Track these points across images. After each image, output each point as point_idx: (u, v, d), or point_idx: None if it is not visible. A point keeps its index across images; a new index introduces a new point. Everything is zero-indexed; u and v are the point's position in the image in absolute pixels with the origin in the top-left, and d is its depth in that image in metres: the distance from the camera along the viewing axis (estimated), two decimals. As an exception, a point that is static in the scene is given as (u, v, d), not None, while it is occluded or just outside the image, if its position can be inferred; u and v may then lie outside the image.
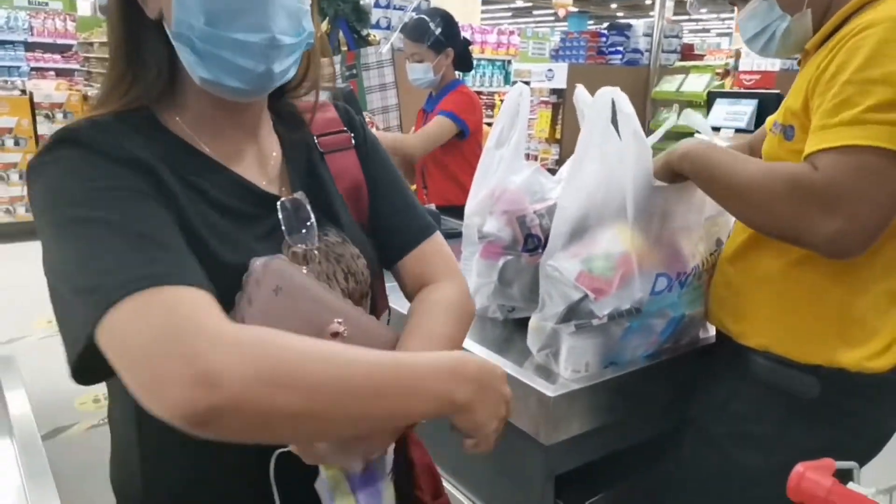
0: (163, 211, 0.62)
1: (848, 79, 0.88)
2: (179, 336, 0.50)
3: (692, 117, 1.27)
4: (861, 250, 0.89)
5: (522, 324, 1.28)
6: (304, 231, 0.74)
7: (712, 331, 1.25)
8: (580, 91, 1.30)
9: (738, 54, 5.37)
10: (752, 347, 1.06)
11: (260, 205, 0.73)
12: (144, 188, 0.63)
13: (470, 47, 2.62)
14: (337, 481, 0.69)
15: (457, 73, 2.56)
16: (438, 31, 2.38)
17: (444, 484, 0.95)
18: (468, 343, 1.21)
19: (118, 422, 0.77)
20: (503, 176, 1.28)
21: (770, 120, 1.12)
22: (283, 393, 0.52)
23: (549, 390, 1.02)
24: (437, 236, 0.88)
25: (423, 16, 2.45)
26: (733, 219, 1.16)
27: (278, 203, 0.73)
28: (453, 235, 1.97)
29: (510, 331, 1.31)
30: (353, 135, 0.86)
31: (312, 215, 0.75)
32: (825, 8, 1.04)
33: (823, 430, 1.00)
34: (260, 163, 0.77)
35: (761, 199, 0.94)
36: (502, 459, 1.16)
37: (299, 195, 0.75)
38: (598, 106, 1.06)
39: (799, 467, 0.60)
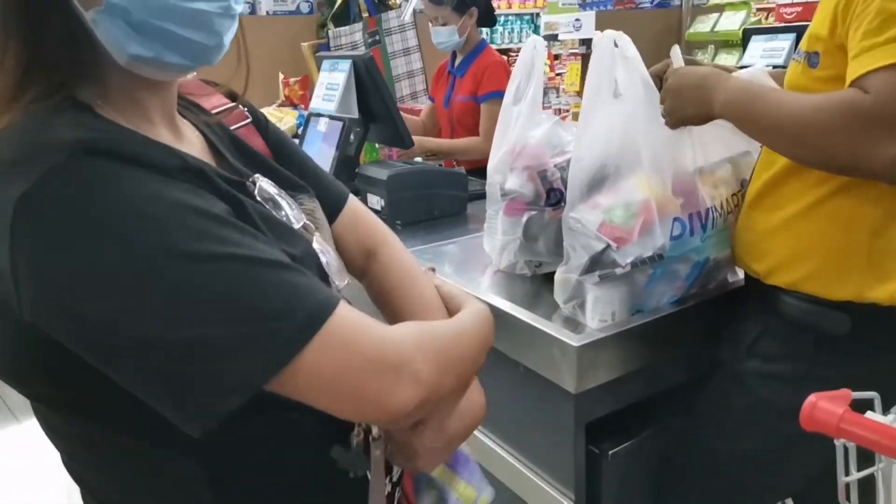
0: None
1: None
2: (376, 353, 0.55)
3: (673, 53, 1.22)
4: None
5: (550, 278, 1.29)
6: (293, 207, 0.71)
7: (741, 273, 1.24)
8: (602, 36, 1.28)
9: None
10: (781, 287, 1.04)
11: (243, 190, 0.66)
12: (222, 203, 0.56)
13: (493, 3, 2.57)
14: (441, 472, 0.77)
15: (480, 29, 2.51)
16: None
17: (476, 433, 0.99)
18: (497, 300, 1.23)
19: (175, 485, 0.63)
20: (522, 132, 1.28)
21: None
22: (449, 376, 0.61)
23: (574, 340, 1.03)
24: (354, 200, 0.85)
25: None
26: (757, 157, 1.13)
27: (258, 185, 0.68)
28: (478, 196, 2.00)
29: (538, 285, 1.33)
30: (245, 108, 0.81)
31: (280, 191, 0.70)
32: None
33: (853, 365, 0.99)
34: (198, 149, 0.67)
35: (815, 135, 0.90)
36: (534, 409, 1.19)
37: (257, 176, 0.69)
38: (599, 51, 1.04)
39: (812, 397, 0.61)
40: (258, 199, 0.65)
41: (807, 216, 1.01)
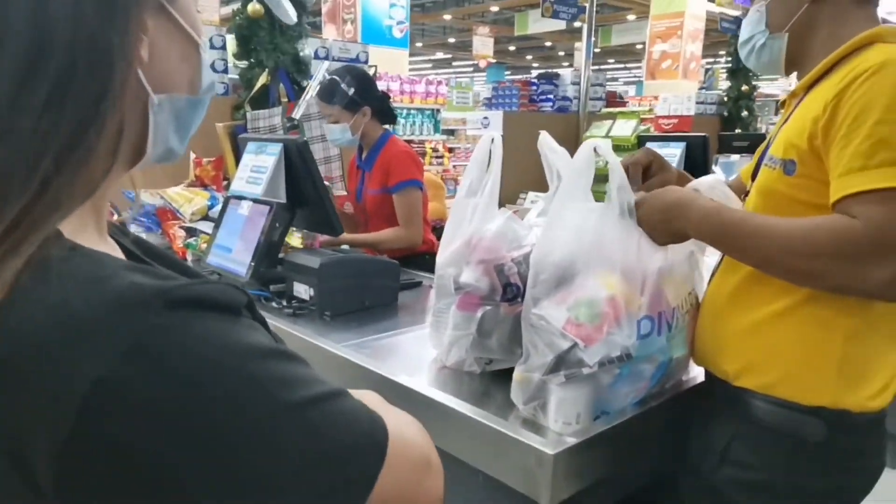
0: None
1: (880, 118, 0.87)
2: (414, 456, 0.56)
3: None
4: None
5: (500, 375, 1.24)
6: None
7: (693, 372, 1.25)
8: (545, 137, 1.30)
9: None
10: (751, 389, 1.05)
11: None
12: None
13: (397, 97, 2.62)
14: None
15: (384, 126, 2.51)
16: (351, 90, 2.33)
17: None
18: (446, 398, 1.15)
19: None
20: (478, 225, 1.25)
21: (754, 159, 1.15)
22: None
23: (548, 447, 0.97)
24: None
25: (334, 76, 2.40)
26: (711, 256, 1.17)
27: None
28: (412, 286, 1.95)
29: (487, 383, 1.27)
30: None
31: None
32: (804, 42, 1.08)
33: (832, 472, 0.99)
34: (118, 252, 0.61)
35: (805, 261, 0.92)
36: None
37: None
38: (580, 155, 1.06)
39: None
40: None
41: (780, 319, 1.03)
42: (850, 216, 0.89)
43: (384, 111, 2.47)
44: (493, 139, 1.28)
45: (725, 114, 6.36)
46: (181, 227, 2.25)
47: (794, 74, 1.17)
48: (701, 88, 8.24)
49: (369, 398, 0.70)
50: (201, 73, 0.59)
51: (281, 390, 0.46)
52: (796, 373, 1.01)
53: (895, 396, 1.02)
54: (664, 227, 1.08)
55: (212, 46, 3.06)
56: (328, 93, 2.37)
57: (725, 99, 6.42)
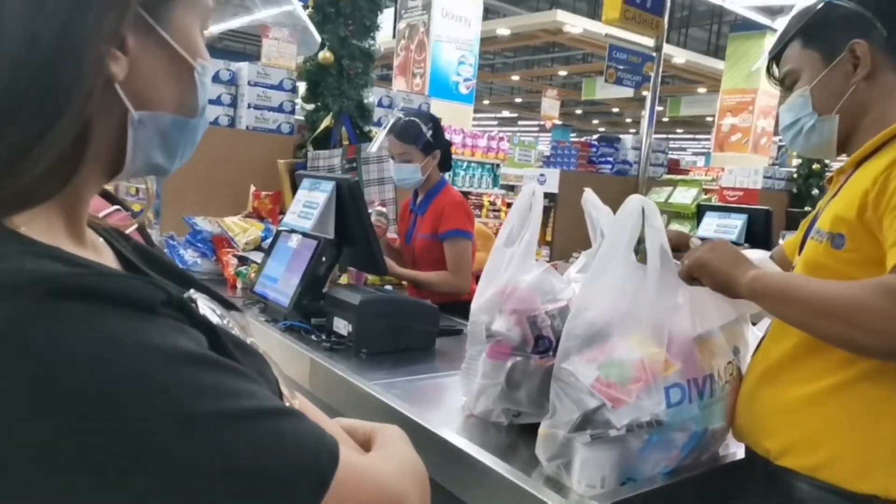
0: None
1: None
2: (381, 496, 0.53)
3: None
4: None
5: (527, 429, 1.21)
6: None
7: (733, 447, 1.18)
8: (589, 195, 1.30)
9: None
10: (794, 470, 0.98)
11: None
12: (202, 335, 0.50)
13: (459, 149, 2.67)
14: None
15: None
16: (430, 133, 2.41)
17: None
18: (470, 447, 1.13)
19: None
20: (513, 275, 1.24)
21: (799, 232, 1.11)
22: (427, 498, 0.61)
23: (570, 508, 0.93)
24: None
25: (414, 118, 2.47)
26: (757, 327, 1.12)
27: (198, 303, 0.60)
28: (452, 332, 1.94)
29: (514, 436, 1.24)
30: (128, 213, 0.78)
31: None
32: (854, 122, 1.06)
33: None
34: (110, 259, 0.60)
35: (865, 319, 0.87)
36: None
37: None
38: (626, 212, 1.05)
39: None
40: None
41: (832, 395, 0.97)
42: None
43: (446, 158, 2.54)
44: (534, 191, 1.28)
45: (795, 190, 6.20)
46: (234, 256, 2.33)
47: None
48: (773, 165, 8.07)
49: (389, 431, 0.69)
50: (196, 96, 0.58)
51: (186, 398, 0.42)
52: (846, 455, 0.94)
53: None
54: (726, 268, 1.04)
55: (283, 89, 3.22)
56: (409, 133, 2.41)
57: (795, 175, 6.27)
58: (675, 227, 4.50)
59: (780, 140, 9.62)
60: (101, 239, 0.61)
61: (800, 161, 6.28)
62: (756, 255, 1.13)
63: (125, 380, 0.40)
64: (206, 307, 0.59)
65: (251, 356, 0.57)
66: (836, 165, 1.14)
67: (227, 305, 0.66)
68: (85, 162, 0.50)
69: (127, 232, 0.68)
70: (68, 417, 0.38)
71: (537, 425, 1.11)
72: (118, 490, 0.40)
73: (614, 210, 1.24)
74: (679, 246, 1.24)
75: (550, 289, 1.26)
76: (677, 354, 1.06)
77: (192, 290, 0.59)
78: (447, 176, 2.66)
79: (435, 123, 2.48)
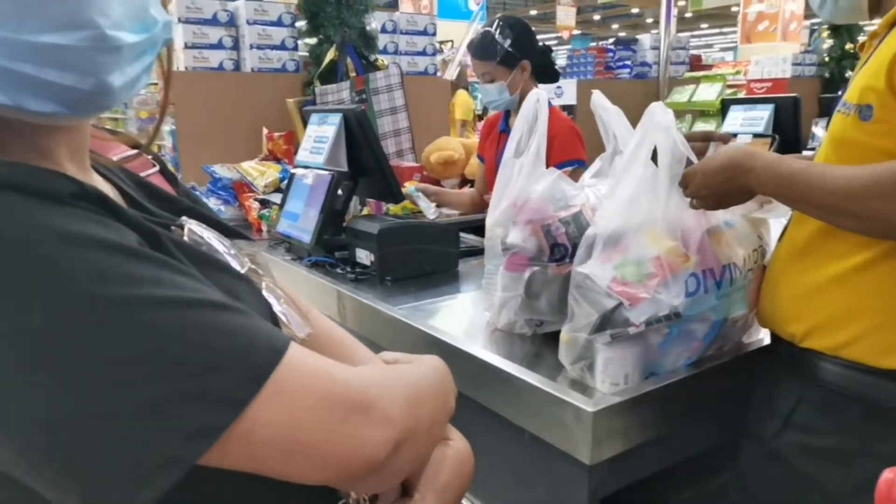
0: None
1: None
2: (339, 395, 0.49)
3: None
4: None
5: (551, 338, 1.23)
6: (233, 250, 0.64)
7: (757, 335, 1.18)
8: (598, 96, 1.26)
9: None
10: (820, 351, 0.97)
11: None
12: (132, 233, 0.47)
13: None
14: None
15: (540, 85, 2.17)
16: (508, 42, 2.05)
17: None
18: (497, 360, 1.15)
19: None
20: (524, 185, 1.23)
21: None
22: (423, 417, 0.57)
23: (589, 405, 0.95)
24: None
25: (487, 28, 2.11)
26: (780, 213, 1.09)
27: (186, 227, 0.60)
28: (470, 253, 1.94)
29: (539, 345, 1.26)
30: (150, 157, 0.74)
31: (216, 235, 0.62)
32: None
33: None
34: (111, 195, 0.58)
35: (881, 205, 0.84)
36: (541, 482, 1.09)
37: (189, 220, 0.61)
38: (647, 120, 1.04)
39: (888, 473, 0.53)
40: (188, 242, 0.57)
41: (854, 276, 0.94)
42: None
43: (545, 68, 2.17)
44: (538, 98, 1.24)
45: (827, 75, 5.89)
46: (255, 199, 2.35)
47: None
48: (805, 52, 7.67)
49: (422, 358, 0.68)
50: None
51: (92, 282, 0.40)
52: (871, 333, 0.93)
53: None
54: (725, 188, 1.01)
55: (282, 24, 3.15)
56: (481, 47, 2.09)
57: (827, 59, 5.94)
58: (700, 126, 4.35)
59: (812, 23, 9.07)
60: (103, 180, 0.59)
61: (832, 42, 5.94)
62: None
63: (27, 263, 0.39)
64: (202, 231, 0.59)
65: (218, 273, 0.55)
66: (869, 30, 1.05)
67: (234, 235, 0.67)
68: None
69: (147, 176, 0.68)
70: None
71: (560, 333, 1.12)
72: (14, 375, 0.39)
73: (633, 117, 1.20)
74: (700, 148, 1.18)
75: (562, 196, 1.24)
76: (691, 247, 1.05)
77: (183, 218, 0.59)
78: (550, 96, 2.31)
79: (516, 29, 2.08)
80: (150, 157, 0.73)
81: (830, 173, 0.90)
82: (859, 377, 0.94)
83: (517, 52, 2.07)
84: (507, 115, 2.27)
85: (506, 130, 2.27)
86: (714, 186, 1.02)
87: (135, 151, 0.69)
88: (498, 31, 2.08)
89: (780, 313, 1.06)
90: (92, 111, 0.49)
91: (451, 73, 2.86)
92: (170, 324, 0.42)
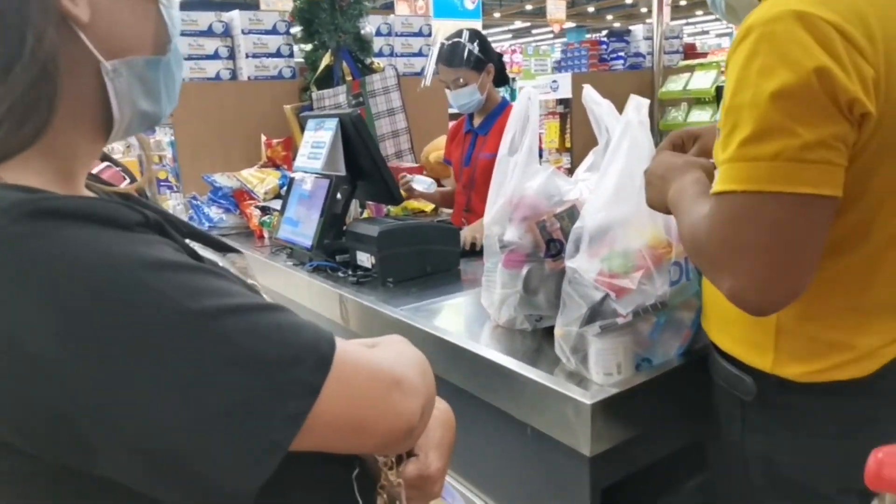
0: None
1: (728, 104, 0.74)
2: (381, 375, 0.56)
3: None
4: (778, 302, 0.74)
5: (550, 332, 1.24)
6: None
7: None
8: (588, 91, 1.28)
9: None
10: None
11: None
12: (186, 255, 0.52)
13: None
14: None
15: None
16: (477, 48, 2.28)
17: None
18: (499, 357, 1.17)
19: None
20: (519, 182, 1.25)
21: None
22: (429, 385, 0.63)
23: (587, 398, 0.98)
24: None
25: (457, 39, 2.33)
26: None
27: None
28: (473, 252, 1.96)
29: (539, 340, 1.28)
30: (119, 168, 0.77)
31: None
32: None
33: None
34: None
35: (694, 261, 0.90)
36: (545, 475, 1.11)
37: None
38: (627, 114, 1.06)
39: (878, 453, 0.55)
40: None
41: None
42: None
43: (501, 72, 2.39)
44: (529, 96, 1.26)
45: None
46: (256, 207, 2.38)
47: None
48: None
49: (389, 337, 0.71)
50: (167, 31, 0.57)
51: (183, 298, 0.45)
52: (726, 325, 0.95)
53: None
54: (657, 195, 0.97)
55: (277, 32, 3.18)
56: (451, 55, 2.29)
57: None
58: (696, 113, 4.34)
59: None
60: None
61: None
62: None
63: (122, 288, 0.43)
64: (203, 252, 0.63)
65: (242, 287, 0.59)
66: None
67: (225, 249, 0.70)
68: (57, 111, 0.49)
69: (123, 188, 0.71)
70: (71, 327, 0.41)
71: (558, 327, 1.14)
72: (130, 392, 0.43)
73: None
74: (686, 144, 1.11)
75: (556, 191, 1.26)
76: (674, 234, 1.07)
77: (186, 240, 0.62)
78: (503, 92, 2.50)
79: (481, 38, 2.35)
80: (118, 168, 0.76)
81: (687, 210, 0.86)
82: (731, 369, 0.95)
83: (485, 57, 2.30)
84: (471, 116, 2.46)
85: (471, 130, 2.45)
86: (651, 187, 0.99)
87: (105, 164, 0.74)
88: (467, 39, 2.32)
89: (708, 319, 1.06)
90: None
91: (426, 83, 2.89)
92: (251, 327, 0.48)
